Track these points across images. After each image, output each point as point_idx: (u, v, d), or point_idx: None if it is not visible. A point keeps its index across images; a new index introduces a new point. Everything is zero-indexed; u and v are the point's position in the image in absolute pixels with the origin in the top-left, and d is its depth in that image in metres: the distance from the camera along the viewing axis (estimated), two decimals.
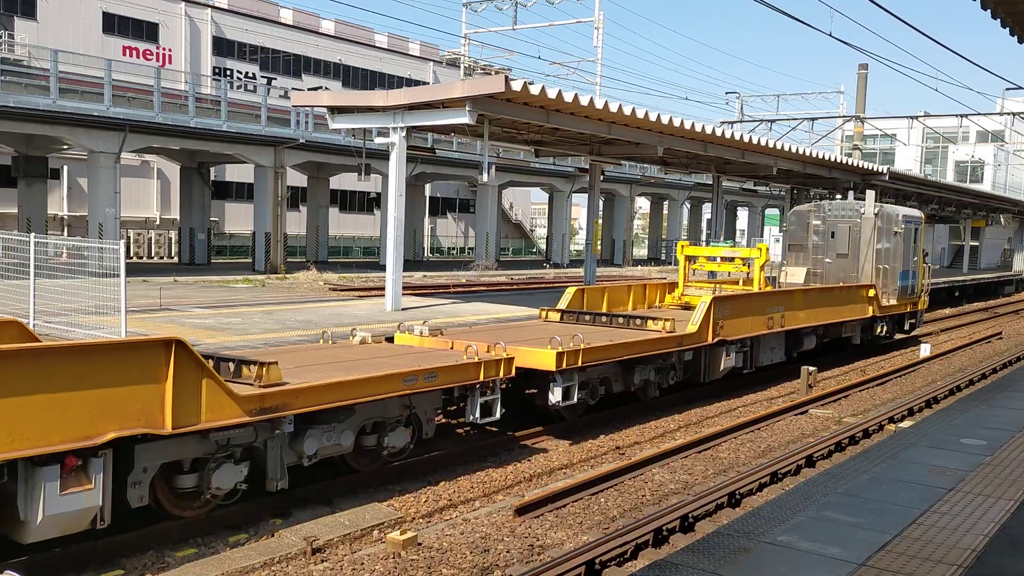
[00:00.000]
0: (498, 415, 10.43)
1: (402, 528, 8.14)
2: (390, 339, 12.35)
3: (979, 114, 39.23)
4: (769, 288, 19.60)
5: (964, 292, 39.36)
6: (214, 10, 48.76)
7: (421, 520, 8.66)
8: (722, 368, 14.80)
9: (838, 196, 26.07)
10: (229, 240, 48.20)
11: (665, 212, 64.78)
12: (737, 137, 21.68)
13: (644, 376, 13.22)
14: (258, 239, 36.06)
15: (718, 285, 18.31)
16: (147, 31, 45.76)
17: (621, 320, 14.26)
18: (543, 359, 11.07)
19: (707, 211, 63.84)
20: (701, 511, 8.76)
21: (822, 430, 13.18)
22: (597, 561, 7.29)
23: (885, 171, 29.30)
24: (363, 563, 7.26)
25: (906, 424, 13.02)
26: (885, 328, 21.06)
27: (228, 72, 48.93)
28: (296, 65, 52.99)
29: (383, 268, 20.41)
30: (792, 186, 31.79)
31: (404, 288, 19.96)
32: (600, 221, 28.03)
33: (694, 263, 18.87)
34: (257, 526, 8.16)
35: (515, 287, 31.43)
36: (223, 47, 49.45)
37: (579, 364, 11.36)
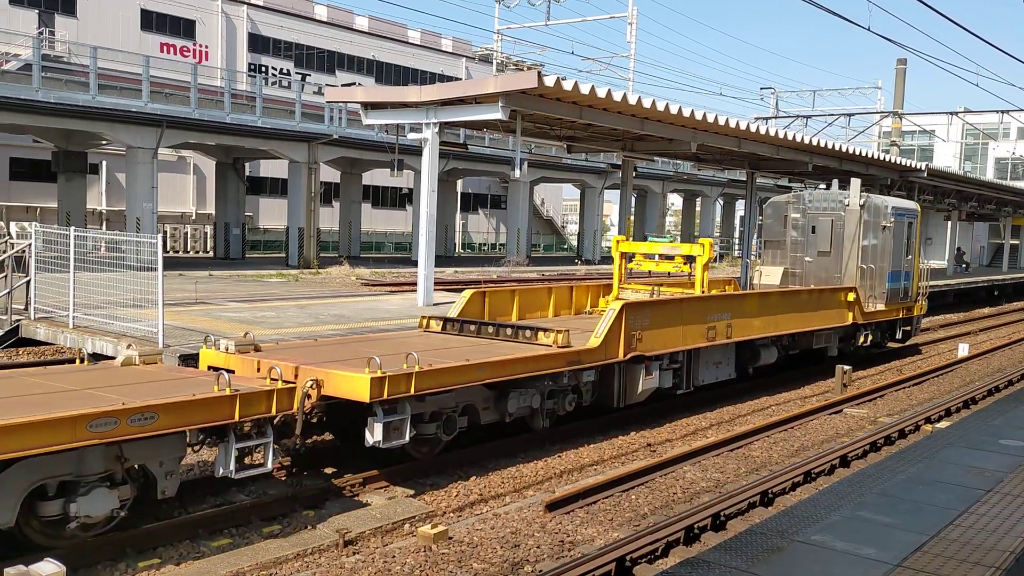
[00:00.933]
0: (270, 465, 7.95)
1: (433, 522, 8.18)
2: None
3: (1021, 110, 38.45)
4: (728, 291, 17.62)
5: (1003, 291, 38.70)
6: (250, 7, 49.25)
7: (452, 514, 8.70)
8: (640, 390, 12.33)
9: (822, 185, 21.60)
10: (263, 235, 48.70)
11: (698, 209, 64.34)
12: (772, 133, 21.43)
13: (524, 403, 10.74)
14: (291, 234, 36.39)
15: (656, 288, 15.82)
16: (184, 28, 46.34)
17: (509, 331, 11.74)
18: (355, 386, 8.48)
19: (740, 208, 63.27)
20: (733, 509, 8.70)
21: (857, 430, 13.02)
22: (628, 558, 7.27)
23: (924, 168, 28.82)
24: (394, 556, 7.31)
25: (943, 424, 12.82)
26: (870, 337, 18.55)
27: (263, 68, 49.39)
28: (330, 61, 53.36)
29: (415, 263, 20.51)
30: (828, 183, 31.40)
31: (436, 283, 20.02)
32: (632, 217, 27.93)
33: (631, 261, 16.19)
34: (290, 517, 8.25)
35: (546, 283, 31.38)
36: (258, 44, 49.94)
37: (411, 391, 8.84)
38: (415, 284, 19.71)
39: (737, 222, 68.29)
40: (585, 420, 12.17)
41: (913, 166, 28.41)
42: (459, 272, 35.14)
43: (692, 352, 13.53)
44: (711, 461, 10.80)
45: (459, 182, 52.95)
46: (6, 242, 14.08)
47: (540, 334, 11.34)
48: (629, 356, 11.91)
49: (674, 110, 17.49)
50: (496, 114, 15.54)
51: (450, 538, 7.74)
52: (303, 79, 47.93)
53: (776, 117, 44.63)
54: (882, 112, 45.26)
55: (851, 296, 17.55)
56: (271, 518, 8.19)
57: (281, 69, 50.98)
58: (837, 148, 24.28)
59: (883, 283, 18.73)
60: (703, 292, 14.79)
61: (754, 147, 21.72)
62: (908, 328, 20.33)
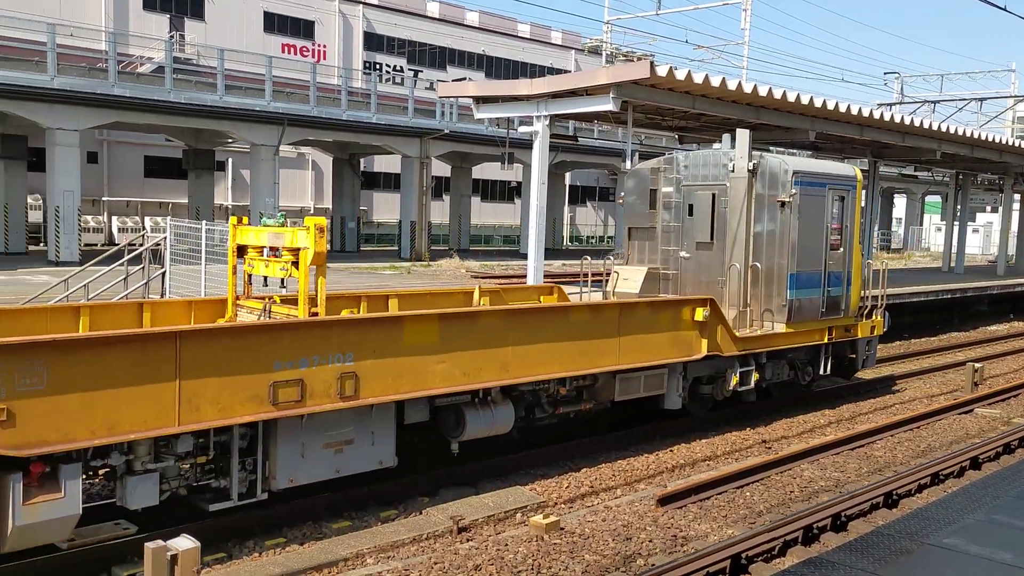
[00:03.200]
0: None
1: (544, 512, 8.23)
2: None
3: None
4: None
5: None
6: (365, 6, 50.56)
7: (563, 505, 8.74)
8: (15, 526, 5.94)
9: (716, 145, 13.69)
10: (377, 228, 49.97)
11: None
12: (896, 119, 20.51)
13: None
14: (404, 227, 37.21)
15: (270, 299, 9.08)
16: (304, 28, 47.99)
17: None
18: None
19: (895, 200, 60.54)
20: (855, 510, 8.40)
21: (989, 431, 12.36)
22: (744, 555, 7.14)
23: None
24: (507, 544, 7.40)
25: None
26: (753, 376, 11.93)
27: (377, 66, 50.61)
28: (441, 57, 54.20)
29: (523, 256, 20.62)
30: (957, 171, 29.90)
31: (544, 276, 20.08)
32: None
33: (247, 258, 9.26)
34: (406, 503, 8.46)
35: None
36: (373, 42, 51.22)
37: None
38: (523, 277, 19.83)
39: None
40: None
41: None
42: (567, 265, 35.12)
43: (257, 428, 7.32)
44: (830, 460, 10.46)
45: (567, 175, 52.89)
46: (143, 236, 14.94)
47: None
48: None
49: (791, 97, 16.97)
50: (607, 105, 15.43)
51: (562, 529, 7.78)
52: (415, 75, 48.89)
53: (901, 103, 42.62)
54: (1016, 96, 42.62)
55: (701, 313, 10.87)
56: (388, 503, 8.43)
57: (394, 66, 52.13)
58: (967, 134, 23.05)
59: (783, 290, 12.32)
60: (312, 313, 8.20)
61: (877, 134, 20.84)
62: (853, 355, 13.87)
